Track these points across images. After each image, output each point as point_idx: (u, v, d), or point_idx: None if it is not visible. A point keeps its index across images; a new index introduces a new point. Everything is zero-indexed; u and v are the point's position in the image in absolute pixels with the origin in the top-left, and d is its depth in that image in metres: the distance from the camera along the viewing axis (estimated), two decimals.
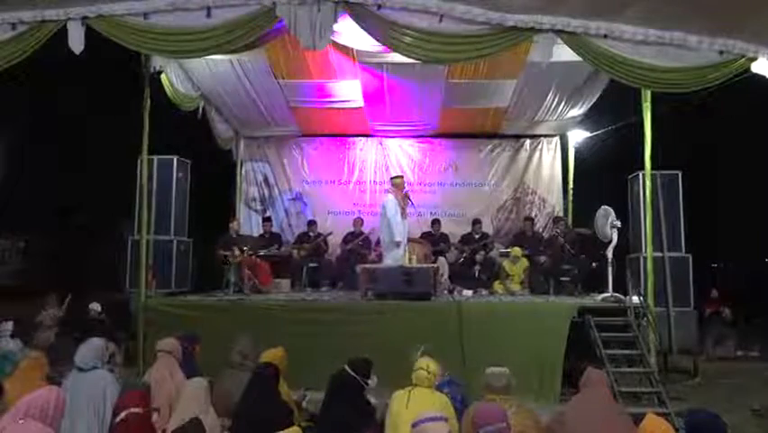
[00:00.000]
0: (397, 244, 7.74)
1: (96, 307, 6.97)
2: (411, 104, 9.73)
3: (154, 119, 7.37)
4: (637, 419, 3.16)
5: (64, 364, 4.80)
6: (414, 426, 2.87)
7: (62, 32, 5.72)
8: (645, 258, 7.27)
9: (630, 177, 8.75)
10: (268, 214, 11.03)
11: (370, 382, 4.11)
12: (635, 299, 7.09)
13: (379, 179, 11.13)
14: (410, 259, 7.84)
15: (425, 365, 3.94)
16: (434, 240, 9.72)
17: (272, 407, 3.76)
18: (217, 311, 7.00)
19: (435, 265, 8.12)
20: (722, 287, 9.89)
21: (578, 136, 10.44)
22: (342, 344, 6.56)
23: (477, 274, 9.24)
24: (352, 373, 4.06)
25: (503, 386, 3.62)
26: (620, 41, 5.61)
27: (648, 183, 7.13)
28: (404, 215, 7.94)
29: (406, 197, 8.11)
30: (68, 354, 4.45)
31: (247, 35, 5.81)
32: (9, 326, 6.05)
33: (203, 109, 9.23)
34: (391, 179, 8.58)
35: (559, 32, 5.67)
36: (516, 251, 8.96)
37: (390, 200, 7.88)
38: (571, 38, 5.68)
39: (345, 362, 4.20)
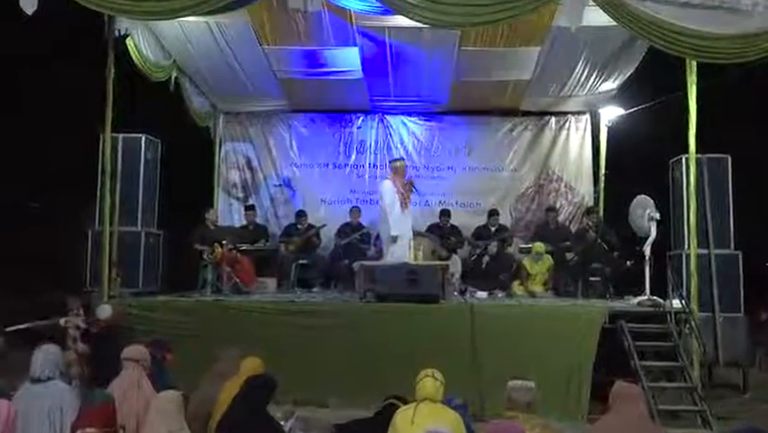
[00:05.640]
0: (394, 239, 7.76)
1: (105, 312, 6.42)
2: (418, 75, 9.72)
3: (119, 91, 7.37)
4: None
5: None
6: None
7: None
8: (688, 255, 7.27)
9: (672, 161, 8.73)
10: (250, 202, 11.04)
11: None
12: (676, 302, 7.11)
13: (380, 162, 11.13)
14: (416, 255, 7.86)
15: (431, 372, 3.97)
16: (443, 234, 9.73)
17: (259, 423, 3.80)
18: (192, 315, 7.04)
19: (445, 263, 8.13)
20: None
21: (611, 114, 10.44)
22: (337, 353, 6.64)
23: (493, 273, 9.25)
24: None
25: (527, 402, 3.63)
26: (662, 4, 5.61)
27: (693, 168, 7.13)
28: (405, 204, 7.96)
29: (410, 184, 8.12)
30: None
31: None
32: None
33: (176, 80, 9.22)
34: (390, 162, 8.57)
35: None
36: (539, 247, 8.99)
37: (387, 188, 7.89)
38: None
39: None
